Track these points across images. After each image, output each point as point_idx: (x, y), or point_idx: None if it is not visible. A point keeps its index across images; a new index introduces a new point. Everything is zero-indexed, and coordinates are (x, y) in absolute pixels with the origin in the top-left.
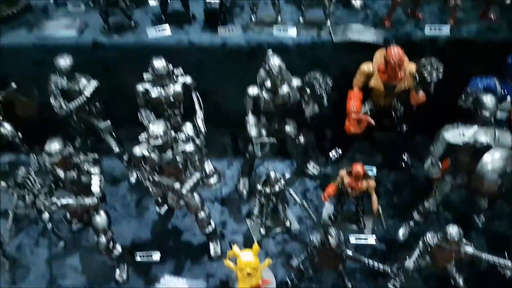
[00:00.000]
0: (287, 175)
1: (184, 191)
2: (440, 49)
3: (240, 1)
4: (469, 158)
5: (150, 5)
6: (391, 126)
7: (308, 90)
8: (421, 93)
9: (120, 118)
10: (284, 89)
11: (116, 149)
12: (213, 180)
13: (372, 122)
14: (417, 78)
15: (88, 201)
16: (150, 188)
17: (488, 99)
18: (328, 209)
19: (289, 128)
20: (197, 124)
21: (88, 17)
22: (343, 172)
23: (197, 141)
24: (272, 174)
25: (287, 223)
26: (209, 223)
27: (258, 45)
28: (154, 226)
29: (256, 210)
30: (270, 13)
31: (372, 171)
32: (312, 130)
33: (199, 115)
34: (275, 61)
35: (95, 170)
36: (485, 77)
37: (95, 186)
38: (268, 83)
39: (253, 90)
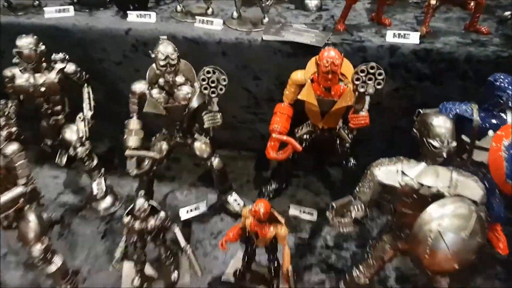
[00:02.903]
0: (203, 208)
1: None
2: (403, 61)
3: None
4: (413, 211)
5: None
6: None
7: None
8: (363, 114)
9: None
10: (184, 89)
11: None
12: (104, 204)
13: (298, 147)
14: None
15: None
16: None
17: (440, 122)
18: (238, 260)
19: (198, 144)
20: (77, 127)
21: None
22: (246, 210)
23: (78, 150)
24: (139, 203)
25: (173, 276)
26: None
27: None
28: None
29: (118, 252)
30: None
31: (313, 215)
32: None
33: (85, 114)
34: (166, 49)
35: None
36: (459, 102)
37: None
38: (162, 80)
39: (139, 87)
